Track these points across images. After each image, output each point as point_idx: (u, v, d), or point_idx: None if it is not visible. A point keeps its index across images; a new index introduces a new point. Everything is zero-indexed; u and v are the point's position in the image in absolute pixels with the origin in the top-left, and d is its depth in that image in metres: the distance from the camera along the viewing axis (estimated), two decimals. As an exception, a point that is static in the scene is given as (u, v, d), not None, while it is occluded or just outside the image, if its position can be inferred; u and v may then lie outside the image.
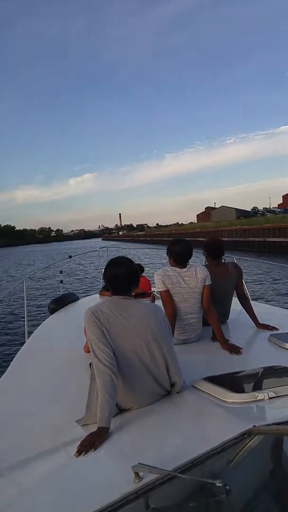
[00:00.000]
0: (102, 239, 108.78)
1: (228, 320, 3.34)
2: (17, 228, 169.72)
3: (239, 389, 1.80)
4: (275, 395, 1.67)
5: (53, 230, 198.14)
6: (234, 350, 2.55)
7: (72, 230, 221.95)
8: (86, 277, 19.13)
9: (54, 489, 1.26)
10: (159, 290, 2.76)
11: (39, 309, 11.01)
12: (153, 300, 3.69)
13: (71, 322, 4.06)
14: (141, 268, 5.10)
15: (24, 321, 4.46)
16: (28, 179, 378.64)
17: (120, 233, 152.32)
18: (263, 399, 1.65)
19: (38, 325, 4.17)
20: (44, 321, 4.26)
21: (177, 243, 2.86)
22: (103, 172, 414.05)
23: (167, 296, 2.72)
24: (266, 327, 3.05)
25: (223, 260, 3.26)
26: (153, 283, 4.98)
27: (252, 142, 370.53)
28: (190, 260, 2.87)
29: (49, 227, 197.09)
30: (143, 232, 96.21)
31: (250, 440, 1.29)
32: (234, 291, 3.30)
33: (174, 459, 1.22)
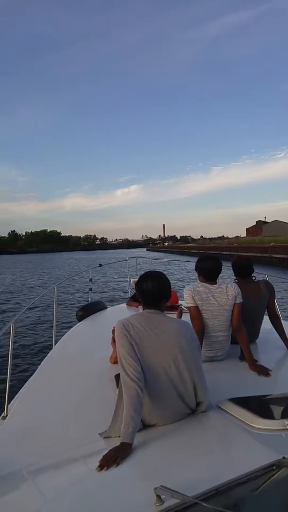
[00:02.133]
0: (147, 249, 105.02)
1: (257, 339, 3.25)
2: (63, 234, 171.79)
3: (267, 415, 1.74)
4: None
5: (97, 238, 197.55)
6: (263, 371, 2.48)
7: (116, 239, 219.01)
8: (115, 286, 19.27)
9: (73, 502, 1.25)
10: (188, 305, 2.74)
11: (68, 315, 11.19)
12: (180, 314, 3.66)
13: (98, 331, 4.09)
14: None
15: (52, 326, 4.55)
16: (77, 188, 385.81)
17: (166, 243, 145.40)
18: None
19: (66, 331, 4.24)
20: (72, 328, 4.32)
21: (205, 259, 2.86)
22: (148, 184, 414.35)
23: (195, 312, 2.70)
24: None
25: (253, 278, 3.19)
26: (180, 296, 4.93)
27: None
28: (220, 276, 2.84)
29: (94, 235, 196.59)
30: (193, 244, 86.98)
31: (278, 472, 1.24)
32: (266, 310, 3.21)
33: (198, 485, 1.19)
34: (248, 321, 2.95)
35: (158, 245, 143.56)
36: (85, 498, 1.26)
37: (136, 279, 2.05)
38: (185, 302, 2.76)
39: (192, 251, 57.78)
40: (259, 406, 1.92)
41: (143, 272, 2.06)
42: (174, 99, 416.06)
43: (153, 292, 1.90)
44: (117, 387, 1.91)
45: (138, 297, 2.02)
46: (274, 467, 1.25)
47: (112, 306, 5.91)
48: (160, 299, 1.92)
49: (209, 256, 2.92)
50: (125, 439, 1.54)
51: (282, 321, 3.23)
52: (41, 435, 1.80)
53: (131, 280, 6.32)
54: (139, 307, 2.05)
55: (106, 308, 5.35)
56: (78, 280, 19.58)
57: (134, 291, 5.18)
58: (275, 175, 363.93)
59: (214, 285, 2.75)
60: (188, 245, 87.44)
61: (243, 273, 3.17)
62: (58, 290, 5.09)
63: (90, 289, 6.63)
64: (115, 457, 1.45)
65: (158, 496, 1.12)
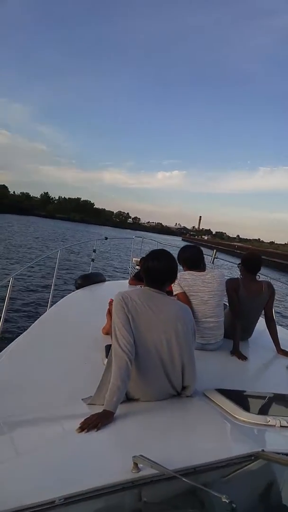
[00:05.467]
0: (183, 239, 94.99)
1: (250, 338, 3.28)
2: (96, 206, 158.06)
3: (250, 409, 1.75)
4: (287, 424, 1.61)
5: (130, 217, 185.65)
6: (241, 357, 2.68)
7: (149, 222, 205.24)
8: (117, 264, 19.29)
9: (52, 457, 1.26)
10: (176, 292, 2.78)
11: (67, 282, 11.25)
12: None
13: (94, 301, 4.11)
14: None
15: (50, 290, 4.56)
16: (119, 163, 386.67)
17: (205, 237, 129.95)
18: (274, 425, 1.60)
19: (62, 296, 4.21)
20: (69, 294, 4.29)
21: (185, 249, 2.92)
22: (190, 172, 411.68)
23: (184, 298, 2.75)
24: (286, 354, 2.96)
25: (257, 277, 3.20)
26: None
27: None
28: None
29: (128, 213, 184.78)
30: (246, 245, 66.54)
31: (255, 462, 1.26)
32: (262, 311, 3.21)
33: (176, 461, 1.19)
34: (244, 316, 2.99)
35: (196, 237, 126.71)
36: (62, 456, 1.27)
37: (139, 258, 2.01)
38: (174, 290, 2.80)
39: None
40: (244, 400, 1.94)
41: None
42: (234, 91, 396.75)
43: (159, 271, 1.85)
44: (106, 358, 1.91)
45: (141, 275, 1.98)
46: (253, 458, 1.27)
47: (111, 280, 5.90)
48: (165, 280, 1.88)
49: (188, 246, 3.02)
50: (108, 407, 1.55)
51: (277, 325, 3.24)
52: (22, 392, 1.78)
53: (133, 259, 6.27)
54: (141, 287, 2.01)
55: (105, 281, 5.36)
56: (83, 250, 19.63)
57: (137, 269, 5.15)
58: None
59: (202, 272, 2.82)
60: (239, 244, 67.38)
61: (253, 269, 3.16)
62: (62, 257, 5.05)
63: (92, 260, 6.59)
64: (96, 422, 1.46)
65: (136, 464, 1.13)
